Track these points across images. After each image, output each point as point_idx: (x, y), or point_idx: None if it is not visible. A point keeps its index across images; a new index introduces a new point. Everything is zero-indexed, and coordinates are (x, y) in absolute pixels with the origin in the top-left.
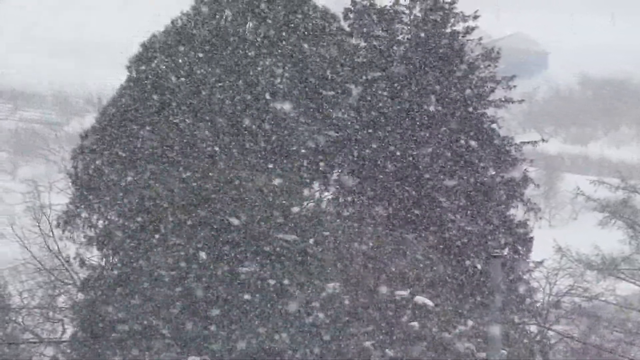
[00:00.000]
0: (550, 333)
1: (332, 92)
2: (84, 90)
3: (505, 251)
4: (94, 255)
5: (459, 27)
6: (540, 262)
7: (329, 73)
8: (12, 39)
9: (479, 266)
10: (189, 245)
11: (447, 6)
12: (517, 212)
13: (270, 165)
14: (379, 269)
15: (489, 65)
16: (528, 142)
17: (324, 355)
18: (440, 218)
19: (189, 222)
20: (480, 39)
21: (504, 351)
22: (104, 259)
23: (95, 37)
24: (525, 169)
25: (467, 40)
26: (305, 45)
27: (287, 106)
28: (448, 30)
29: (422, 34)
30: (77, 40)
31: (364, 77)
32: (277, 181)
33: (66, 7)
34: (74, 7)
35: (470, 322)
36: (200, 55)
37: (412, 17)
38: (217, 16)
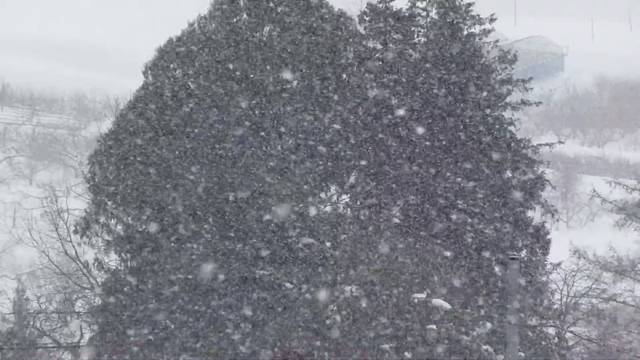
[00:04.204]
0: (568, 335)
1: (348, 96)
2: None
3: (523, 253)
4: (111, 260)
5: (476, 29)
6: (558, 264)
7: (345, 76)
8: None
9: (496, 268)
10: (205, 249)
11: (463, 9)
12: (535, 214)
13: (288, 169)
14: (396, 271)
15: (506, 68)
16: (545, 144)
17: (341, 357)
18: (457, 220)
19: (206, 226)
20: (497, 41)
21: (522, 353)
22: (122, 264)
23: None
24: (542, 171)
25: (484, 42)
26: (322, 49)
27: (304, 110)
28: (464, 32)
29: (439, 37)
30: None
31: (380, 80)
32: (294, 184)
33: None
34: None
35: (488, 325)
36: (217, 58)
37: (428, 19)
38: (235, 20)
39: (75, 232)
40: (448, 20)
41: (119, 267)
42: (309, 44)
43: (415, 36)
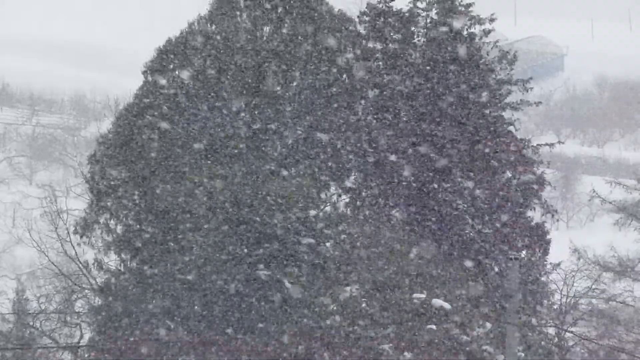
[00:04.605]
0: (568, 335)
1: (348, 96)
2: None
3: (523, 253)
4: (111, 260)
5: (476, 29)
6: (558, 264)
7: (345, 77)
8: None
9: (496, 268)
10: (206, 249)
11: (463, 9)
12: (535, 214)
13: (287, 169)
14: (396, 271)
15: (506, 68)
16: (545, 144)
17: (341, 358)
18: (457, 221)
19: (206, 226)
20: (497, 41)
21: (521, 353)
22: (121, 264)
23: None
24: (542, 171)
25: (484, 43)
26: (321, 49)
27: (303, 110)
28: (464, 33)
29: (439, 37)
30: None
31: (380, 81)
32: (294, 185)
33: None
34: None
35: (488, 325)
36: (216, 59)
37: (428, 20)
38: (234, 20)
39: (75, 232)
40: (448, 20)
41: (119, 268)
42: (308, 45)
43: (415, 36)
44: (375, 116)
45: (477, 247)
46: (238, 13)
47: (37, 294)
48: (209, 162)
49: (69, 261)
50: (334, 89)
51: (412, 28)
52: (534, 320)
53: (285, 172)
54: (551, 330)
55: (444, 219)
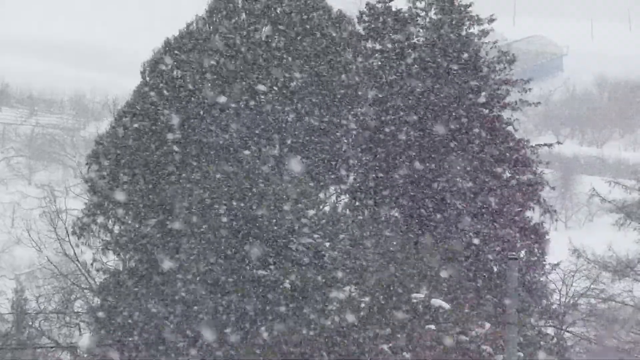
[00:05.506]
0: (567, 335)
1: (347, 96)
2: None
3: (522, 253)
4: (110, 260)
5: (475, 30)
6: (557, 264)
7: (344, 77)
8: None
9: (495, 268)
10: (205, 249)
11: (462, 9)
12: (534, 214)
13: (287, 169)
14: (395, 271)
15: (505, 68)
16: (544, 145)
17: (341, 358)
18: (456, 221)
19: (205, 226)
20: (496, 41)
21: (520, 353)
22: (120, 264)
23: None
24: (541, 171)
25: (483, 43)
26: (320, 49)
27: (302, 110)
28: (463, 33)
29: (438, 37)
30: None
31: (379, 81)
32: (293, 184)
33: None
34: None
35: (487, 325)
36: (215, 59)
37: (427, 20)
38: (233, 20)
39: (73, 233)
40: (447, 20)
41: (117, 267)
42: (307, 45)
43: (415, 36)
44: (374, 116)
45: (476, 246)
46: (236, 14)
47: (36, 294)
48: (208, 162)
49: (67, 261)
50: (333, 89)
51: (411, 28)
52: (533, 320)
53: (284, 172)
54: (550, 330)
55: (443, 219)
